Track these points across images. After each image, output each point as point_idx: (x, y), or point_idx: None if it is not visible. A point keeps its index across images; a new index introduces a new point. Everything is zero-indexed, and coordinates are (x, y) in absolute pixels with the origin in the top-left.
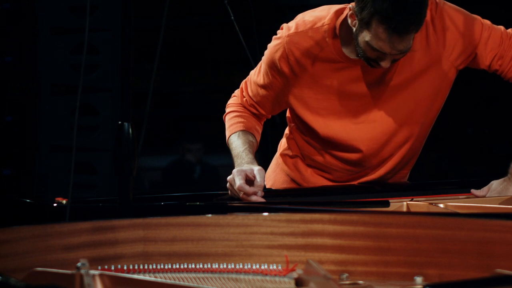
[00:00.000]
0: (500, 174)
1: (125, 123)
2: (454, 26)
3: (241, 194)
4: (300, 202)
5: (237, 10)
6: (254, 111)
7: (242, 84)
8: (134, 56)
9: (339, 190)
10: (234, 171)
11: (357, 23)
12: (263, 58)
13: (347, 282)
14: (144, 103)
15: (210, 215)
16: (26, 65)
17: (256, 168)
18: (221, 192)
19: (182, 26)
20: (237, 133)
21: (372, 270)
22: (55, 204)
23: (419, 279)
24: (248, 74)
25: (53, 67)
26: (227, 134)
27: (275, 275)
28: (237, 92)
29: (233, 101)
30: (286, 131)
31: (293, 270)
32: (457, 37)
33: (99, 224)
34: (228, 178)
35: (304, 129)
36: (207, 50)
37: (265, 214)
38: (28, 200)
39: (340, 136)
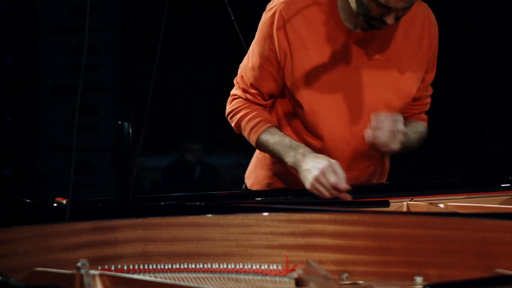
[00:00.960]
0: (500, 173)
1: (125, 123)
2: (433, 34)
3: (332, 191)
4: (300, 202)
5: (237, 10)
6: (260, 99)
7: (238, 80)
8: (134, 56)
9: None
10: (319, 166)
11: None
12: (255, 39)
13: (347, 282)
14: (144, 103)
15: (210, 215)
16: (26, 65)
17: (333, 161)
18: (221, 192)
19: (182, 26)
20: (267, 130)
21: (372, 270)
22: (55, 204)
23: (419, 279)
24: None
25: (53, 67)
26: (253, 137)
27: (275, 275)
28: (233, 94)
29: (237, 104)
30: None
31: (293, 270)
32: (431, 44)
33: (99, 224)
34: (315, 174)
35: (285, 110)
36: (207, 50)
37: (265, 214)
38: (28, 200)
39: (322, 113)
